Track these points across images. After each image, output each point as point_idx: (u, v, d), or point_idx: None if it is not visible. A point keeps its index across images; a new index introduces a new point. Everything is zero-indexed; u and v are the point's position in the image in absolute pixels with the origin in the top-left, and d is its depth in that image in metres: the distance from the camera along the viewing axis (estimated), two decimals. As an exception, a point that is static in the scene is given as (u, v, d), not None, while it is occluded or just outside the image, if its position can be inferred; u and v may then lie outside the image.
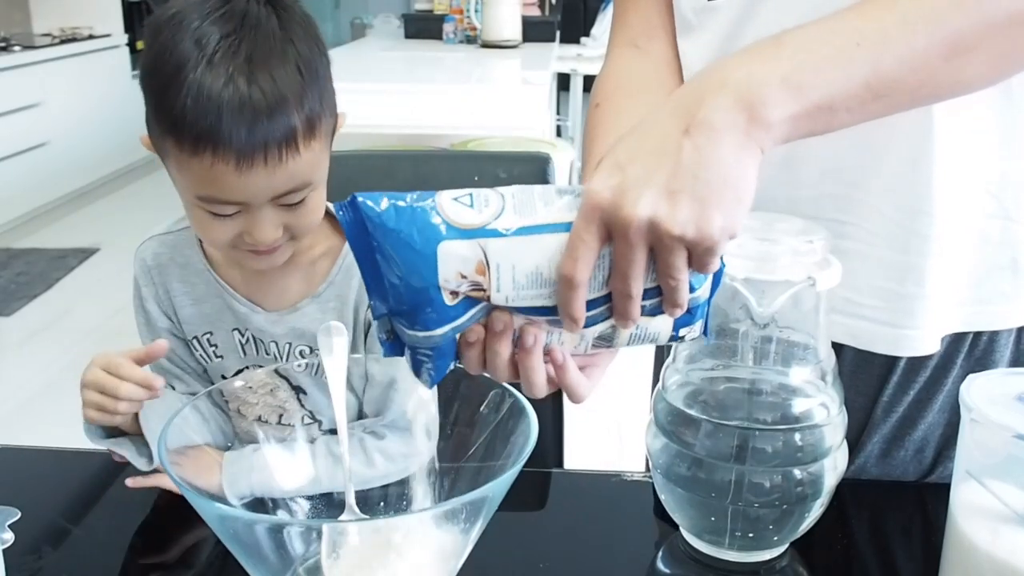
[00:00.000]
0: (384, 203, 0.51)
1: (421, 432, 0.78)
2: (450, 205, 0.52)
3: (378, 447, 0.86)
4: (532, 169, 1.22)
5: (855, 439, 0.90)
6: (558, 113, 4.79)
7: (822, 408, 0.71)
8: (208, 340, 0.96)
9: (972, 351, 0.85)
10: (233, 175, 0.77)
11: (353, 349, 0.91)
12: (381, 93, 2.70)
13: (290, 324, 0.94)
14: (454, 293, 0.53)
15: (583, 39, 4.60)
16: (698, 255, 0.54)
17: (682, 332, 0.60)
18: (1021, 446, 0.63)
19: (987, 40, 0.61)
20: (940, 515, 0.73)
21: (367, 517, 0.74)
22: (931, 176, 0.76)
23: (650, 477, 0.81)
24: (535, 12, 4.70)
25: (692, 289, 0.56)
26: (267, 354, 0.95)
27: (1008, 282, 0.82)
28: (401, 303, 0.53)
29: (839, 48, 0.58)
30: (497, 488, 0.61)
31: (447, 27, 4.22)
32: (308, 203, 0.84)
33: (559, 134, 4.56)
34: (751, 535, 0.72)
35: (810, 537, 0.75)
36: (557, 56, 4.12)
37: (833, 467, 0.72)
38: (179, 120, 0.76)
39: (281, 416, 0.88)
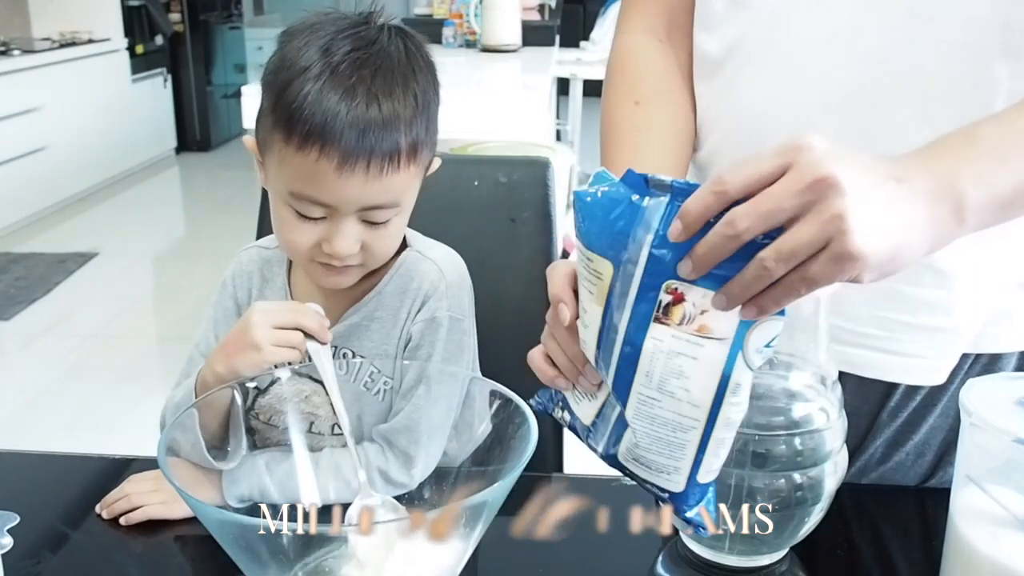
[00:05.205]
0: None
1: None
2: None
3: (380, 470, 0.86)
4: (532, 173, 1.22)
5: (858, 443, 0.89)
6: (558, 117, 4.80)
7: (822, 412, 0.71)
8: None
9: (978, 360, 0.85)
10: (333, 175, 0.80)
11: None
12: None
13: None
14: None
15: (583, 43, 4.60)
16: (828, 254, 0.52)
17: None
18: (1021, 450, 0.63)
19: None
20: (940, 519, 0.73)
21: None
22: None
23: (650, 481, 0.81)
24: (535, 16, 4.71)
25: None
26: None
27: (1014, 304, 0.82)
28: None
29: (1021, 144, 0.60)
30: (497, 492, 0.61)
31: (447, 31, 4.22)
32: (390, 226, 0.86)
33: (559, 138, 4.56)
34: (751, 539, 0.72)
35: (810, 541, 0.75)
36: (557, 60, 4.12)
37: (833, 471, 0.72)
38: (295, 113, 0.79)
39: (312, 424, 0.89)
